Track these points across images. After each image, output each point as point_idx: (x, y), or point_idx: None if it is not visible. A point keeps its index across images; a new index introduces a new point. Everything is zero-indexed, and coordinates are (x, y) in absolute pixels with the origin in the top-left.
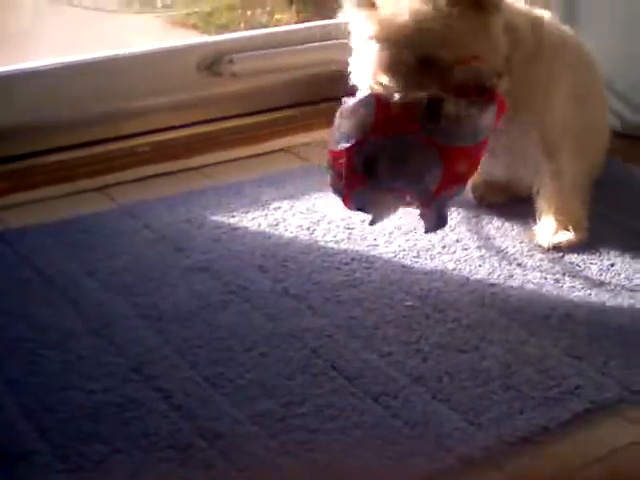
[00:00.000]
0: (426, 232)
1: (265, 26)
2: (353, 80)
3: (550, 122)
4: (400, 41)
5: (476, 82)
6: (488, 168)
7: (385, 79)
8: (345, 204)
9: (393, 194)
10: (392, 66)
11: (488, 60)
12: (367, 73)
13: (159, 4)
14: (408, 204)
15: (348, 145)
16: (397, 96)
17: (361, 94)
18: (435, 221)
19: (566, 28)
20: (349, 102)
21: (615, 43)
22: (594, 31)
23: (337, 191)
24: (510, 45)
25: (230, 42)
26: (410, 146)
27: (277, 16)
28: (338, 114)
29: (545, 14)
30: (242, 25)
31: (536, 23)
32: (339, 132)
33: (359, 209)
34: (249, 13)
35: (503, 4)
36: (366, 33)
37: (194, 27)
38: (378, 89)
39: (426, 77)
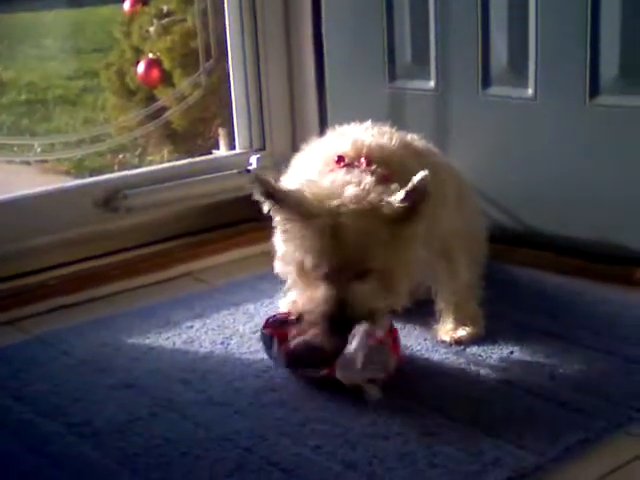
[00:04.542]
0: None
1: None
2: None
3: (446, 230)
4: (340, 257)
5: None
6: None
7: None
8: None
9: None
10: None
11: (409, 265)
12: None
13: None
14: None
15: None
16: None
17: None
18: None
19: (437, 151)
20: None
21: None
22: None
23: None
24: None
25: (123, 179)
26: None
27: (149, 158)
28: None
29: (415, 138)
30: (116, 168)
31: (421, 154)
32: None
33: None
34: (120, 157)
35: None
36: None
37: (67, 173)
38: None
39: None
